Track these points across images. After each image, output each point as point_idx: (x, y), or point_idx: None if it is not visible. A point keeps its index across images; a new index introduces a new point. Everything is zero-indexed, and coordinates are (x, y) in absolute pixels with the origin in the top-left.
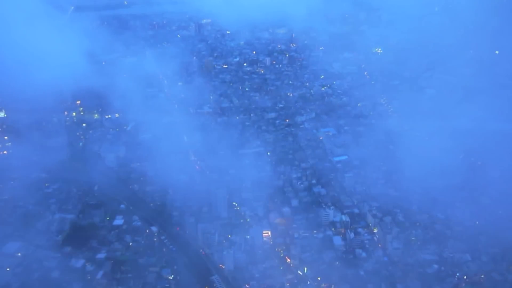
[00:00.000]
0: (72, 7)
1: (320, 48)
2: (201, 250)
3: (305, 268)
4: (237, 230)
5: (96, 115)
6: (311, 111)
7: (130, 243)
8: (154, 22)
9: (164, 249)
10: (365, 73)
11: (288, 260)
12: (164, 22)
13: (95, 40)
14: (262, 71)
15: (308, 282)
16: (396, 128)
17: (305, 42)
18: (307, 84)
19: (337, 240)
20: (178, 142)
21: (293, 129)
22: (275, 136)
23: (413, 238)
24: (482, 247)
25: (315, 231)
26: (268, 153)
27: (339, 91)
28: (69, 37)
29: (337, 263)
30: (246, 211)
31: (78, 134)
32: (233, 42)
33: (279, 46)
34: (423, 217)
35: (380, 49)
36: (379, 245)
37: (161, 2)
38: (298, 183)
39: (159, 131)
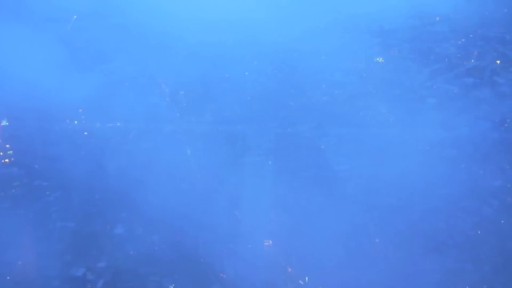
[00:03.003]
0: (75, 16)
1: (322, 57)
2: (202, 259)
3: (306, 278)
4: (238, 239)
5: (97, 123)
6: (313, 120)
7: (131, 252)
8: (156, 30)
9: (165, 258)
10: (367, 82)
11: (290, 269)
12: (166, 30)
13: (97, 48)
14: (264, 80)
15: None
16: (397, 137)
17: (307, 51)
18: (309, 93)
19: (339, 250)
20: (179, 150)
21: (294, 138)
22: (276, 145)
23: (414, 248)
24: (484, 257)
25: (317, 241)
26: (270, 162)
27: (340, 100)
28: (71, 45)
29: (338, 272)
30: (248, 220)
31: (79, 142)
32: (235, 51)
33: (280, 55)
34: (424, 227)
35: (381, 58)
36: (380, 255)
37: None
38: (300, 192)
39: (161, 140)
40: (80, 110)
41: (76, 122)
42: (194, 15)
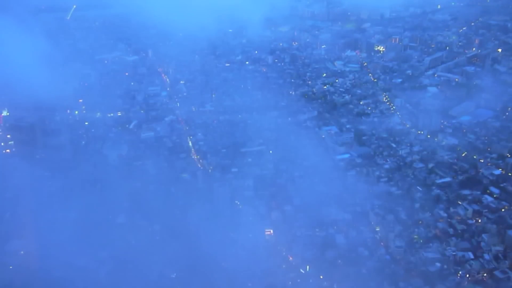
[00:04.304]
0: (74, 6)
1: (322, 46)
2: (203, 249)
3: (307, 267)
4: (239, 228)
5: (98, 113)
6: (313, 109)
7: (133, 241)
8: (156, 20)
9: (166, 247)
10: (367, 71)
11: (290, 258)
12: (166, 20)
13: (97, 38)
14: (264, 70)
15: (310, 281)
16: (398, 126)
17: (307, 40)
18: (309, 82)
19: (339, 239)
20: (180, 140)
21: (295, 127)
22: (277, 135)
23: (415, 237)
24: (484, 245)
25: (317, 230)
26: (270, 151)
27: (341, 89)
28: (71, 35)
29: (339, 261)
30: (249, 209)
31: (80, 132)
32: (235, 40)
33: (281, 44)
34: (425, 216)
35: (382, 47)
36: (381, 244)
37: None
38: (300, 181)
39: (161, 130)
40: (81, 100)
41: (76, 112)
42: (193, 5)
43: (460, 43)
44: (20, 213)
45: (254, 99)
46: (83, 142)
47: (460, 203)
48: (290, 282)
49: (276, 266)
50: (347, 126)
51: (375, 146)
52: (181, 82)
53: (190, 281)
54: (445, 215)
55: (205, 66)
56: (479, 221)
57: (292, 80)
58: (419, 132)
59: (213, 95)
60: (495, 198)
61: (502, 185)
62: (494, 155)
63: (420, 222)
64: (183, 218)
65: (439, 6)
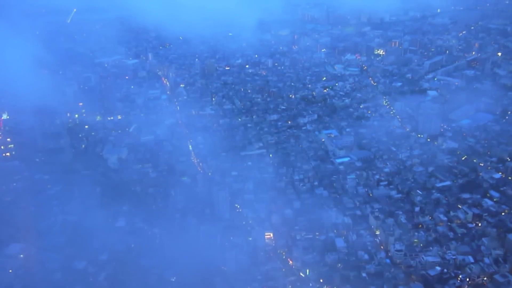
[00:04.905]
0: (75, 10)
1: (322, 50)
2: (203, 252)
3: (307, 270)
4: (239, 231)
5: (98, 117)
6: (313, 113)
7: (132, 245)
8: (155, 24)
9: (166, 251)
10: (367, 75)
11: (290, 262)
12: (165, 23)
13: (97, 42)
14: (264, 73)
15: (310, 284)
16: (398, 130)
17: (307, 43)
18: (309, 85)
19: (339, 242)
20: (180, 144)
21: (295, 130)
22: (277, 138)
23: (415, 240)
24: (484, 249)
25: (317, 233)
26: (270, 155)
27: (341, 92)
28: (71, 39)
29: (339, 265)
30: (248, 213)
31: (80, 135)
32: (235, 43)
33: (281, 48)
34: (425, 219)
35: (382, 50)
36: (381, 247)
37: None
38: (300, 185)
39: (161, 133)
40: (81, 104)
41: (76, 115)
42: (194, 8)
43: (459, 47)
44: (20, 217)
45: (254, 102)
46: (83, 146)
47: (460, 206)
48: (290, 286)
49: (276, 270)
50: (347, 129)
51: (375, 149)
52: (181, 85)
53: (190, 285)
54: (445, 218)
55: (205, 69)
56: (479, 224)
57: (292, 84)
58: (419, 135)
59: (213, 99)
60: (495, 201)
61: (502, 188)
62: (494, 159)
63: (420, 225)
64: (182, 221)
65: (438, 10)
